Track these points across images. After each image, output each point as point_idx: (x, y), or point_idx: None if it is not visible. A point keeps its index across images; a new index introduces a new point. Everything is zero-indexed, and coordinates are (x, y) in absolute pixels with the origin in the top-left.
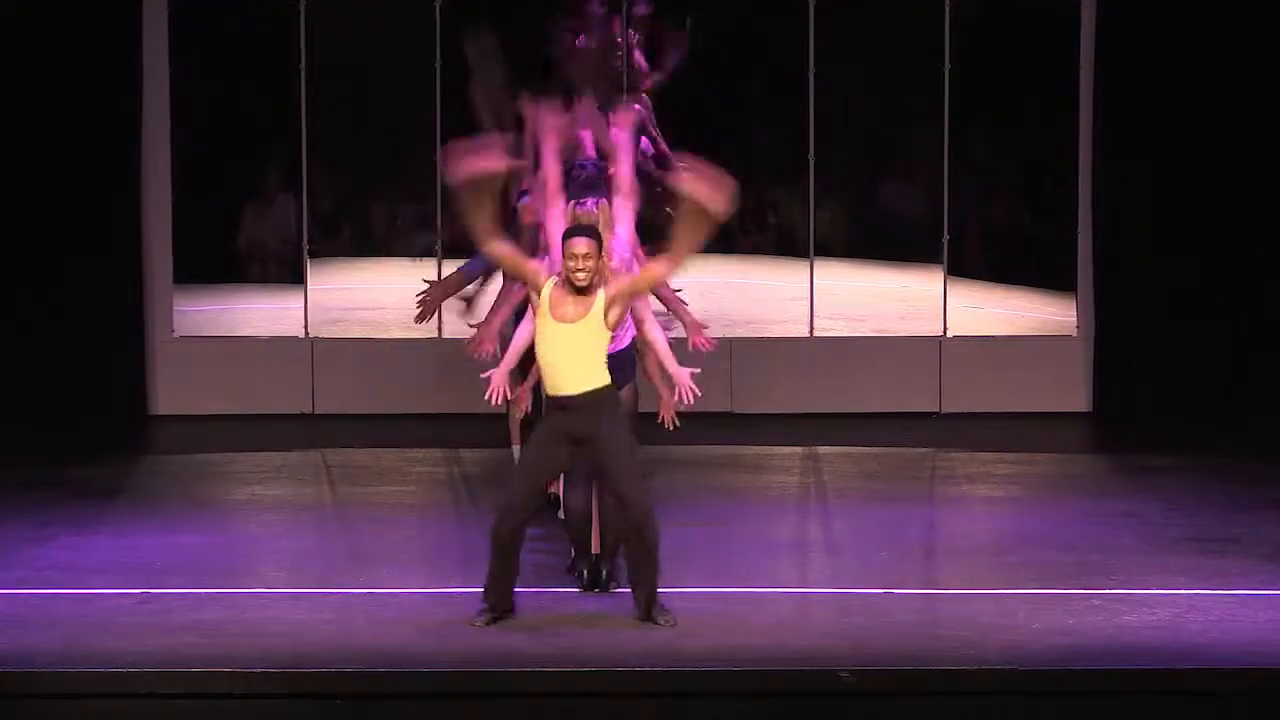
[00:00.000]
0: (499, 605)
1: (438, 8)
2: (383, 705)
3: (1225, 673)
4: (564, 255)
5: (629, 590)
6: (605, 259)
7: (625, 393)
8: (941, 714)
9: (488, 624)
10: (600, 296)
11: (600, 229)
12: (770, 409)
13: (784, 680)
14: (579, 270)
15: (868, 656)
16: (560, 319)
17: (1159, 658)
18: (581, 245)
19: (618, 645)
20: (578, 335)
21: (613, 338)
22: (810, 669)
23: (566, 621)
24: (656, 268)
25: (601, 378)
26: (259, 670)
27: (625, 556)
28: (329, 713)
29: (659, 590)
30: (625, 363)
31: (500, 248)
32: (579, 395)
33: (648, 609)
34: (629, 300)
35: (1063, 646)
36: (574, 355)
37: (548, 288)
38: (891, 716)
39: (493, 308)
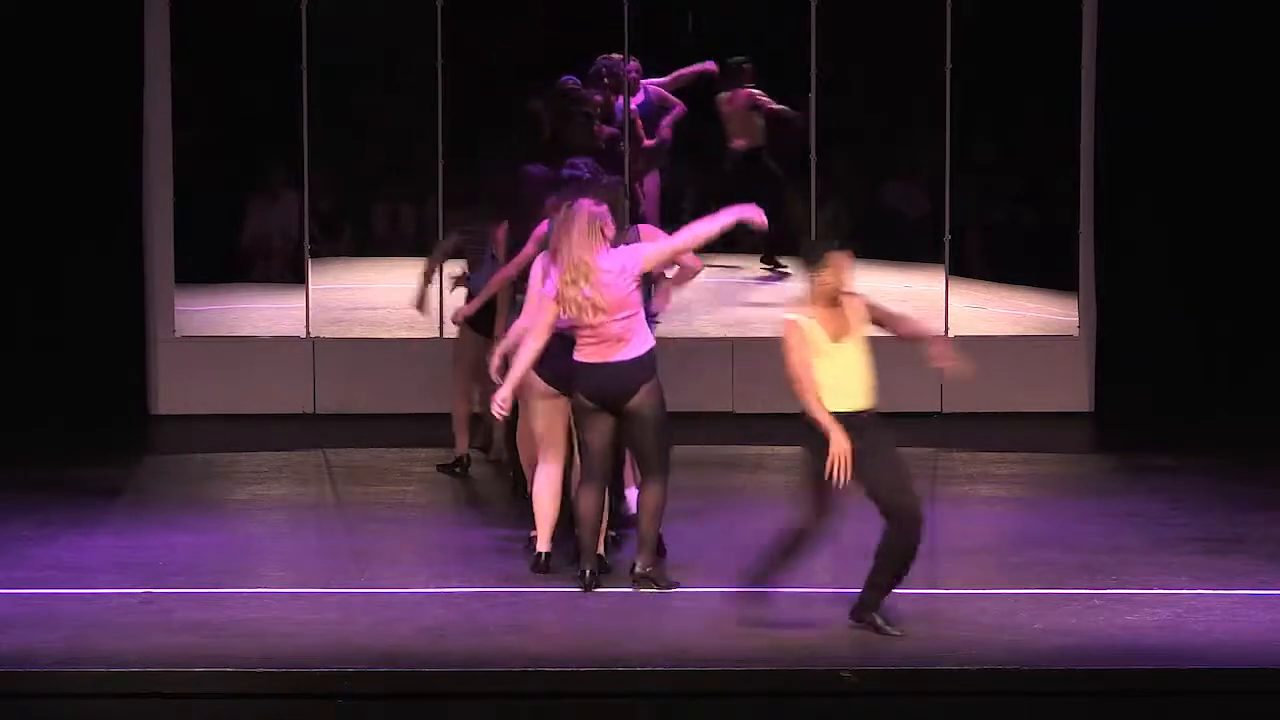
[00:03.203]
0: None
1: (439, 8)
2: (383, 705)
3: (1226, 673)
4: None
5: (627, 590)
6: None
7: (649, 391)
8: (941, 714)
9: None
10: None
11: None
12: (771, 409)
13: (784, 680)
14: (826, 282)
15: (869, 656)
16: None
17: (1160, 658)
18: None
19: (618, 645)
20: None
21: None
22: (811, 669)
23: (567, 621)
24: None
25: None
26: (259, 670)
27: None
28: (329, 713)
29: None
30: (647, 364)
31: None
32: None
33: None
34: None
35: (1064, 646)
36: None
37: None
38: (892, 716)
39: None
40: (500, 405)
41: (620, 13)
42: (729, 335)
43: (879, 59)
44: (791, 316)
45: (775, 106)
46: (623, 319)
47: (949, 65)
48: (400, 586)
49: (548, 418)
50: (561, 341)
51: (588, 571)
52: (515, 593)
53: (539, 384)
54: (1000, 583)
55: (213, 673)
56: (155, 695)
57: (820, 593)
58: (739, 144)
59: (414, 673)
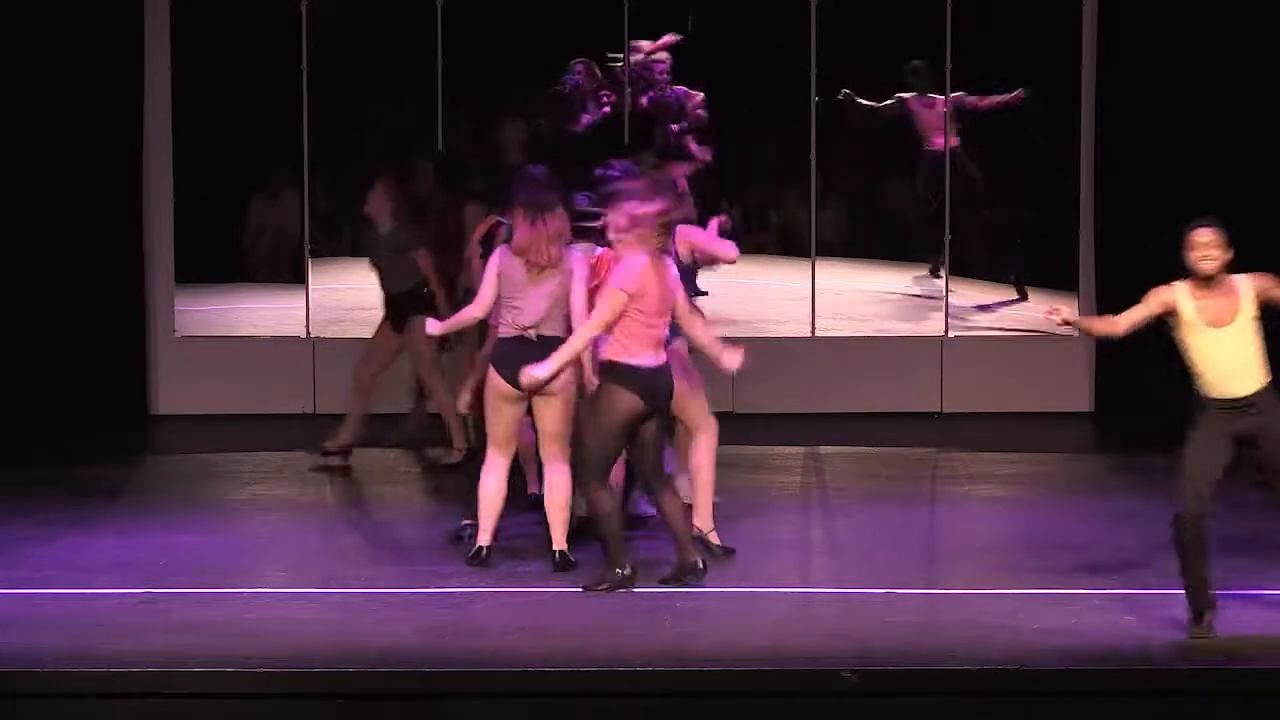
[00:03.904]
0: (1203, 603)
1: (439, 8)
2: (383, 705)
3: (1225, 673)
4: (1187, 247)
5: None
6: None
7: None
8: (941, 714)
9: (1209, 630)
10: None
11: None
12: (772, 409)
13: (785, 680)
14: (1204, 259)
15: (869, 656)
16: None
17: (1159, 658)
18: (1202, 235)
19: (618, 645)
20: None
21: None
22: (811, 669)
23: (567, 621)
24: None
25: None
26: (259, 670)
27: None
28: (329, 713)
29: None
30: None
31: None
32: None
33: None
34: None
35: (1063, 646)
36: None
37: (1186, 299)
38: (892, 716)
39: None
40: (587, 383)
41: (620, 12)
42: (730, 335)
43: (879, 59)
44: (1175, 285)
45: (986, 103)
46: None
47: (949, 65)
48: (400, 586)
49: (505, 417)
50: (521, 343)
51: (628, 568)
52: (515, 593)
53: (500, 384)
54: (1000, 583)
55: (213, 673)
56: (155, 695)
57: (820, 593)
58: (938, 145)
59: (414, 673)
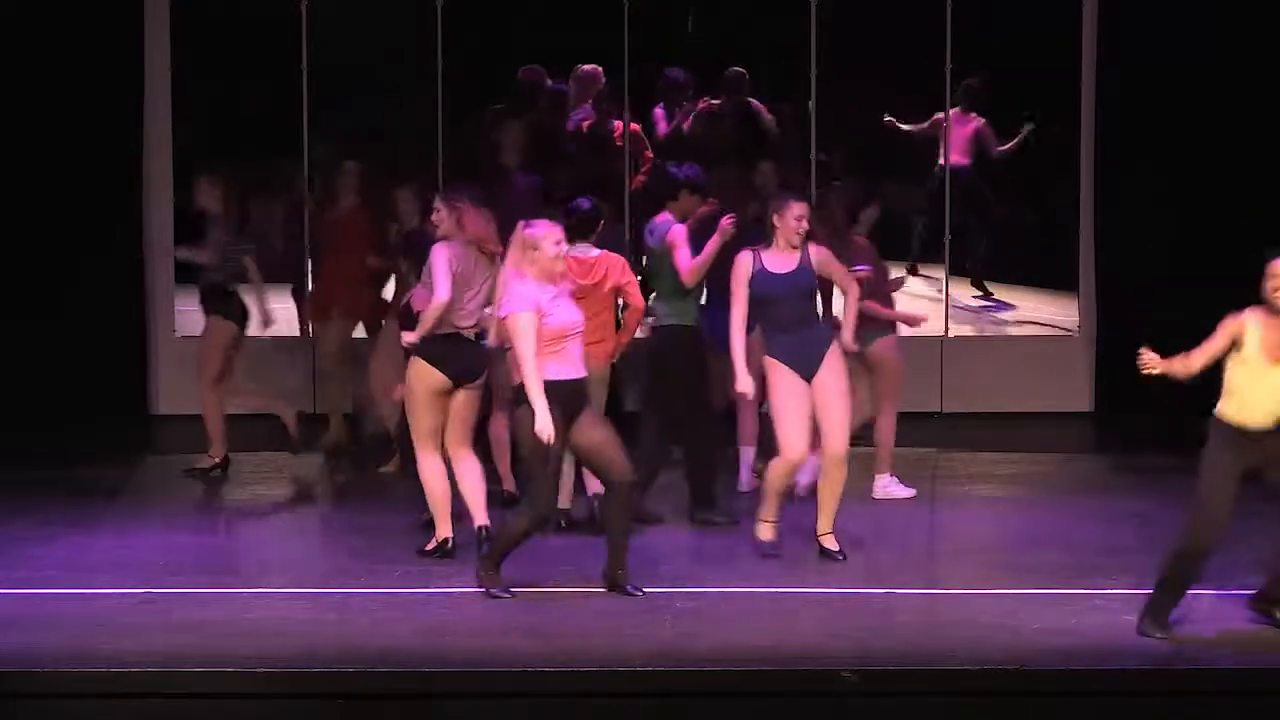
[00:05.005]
0: (1160, 622)
1: (439, 8)
2: (383, 705)
3: (1226, 673)
4: (1266, 277)
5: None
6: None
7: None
8: (941, 714)
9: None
10: None
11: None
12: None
13: (784, 680)
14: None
15: (869, 656)
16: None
17: (1159, 658)
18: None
19: (618, 645)
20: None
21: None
22: (811, 669)
23: (567, 621)
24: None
25: None
26: (259, 670)
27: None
28: (329, 713)
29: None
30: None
31: None
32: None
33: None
34: None
35: (1063, 646)
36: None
37: (1254, 330)
38: (892, 716)
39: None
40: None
41: (620, 13)
42: None
43: (879, 59)
44: (1246, 314)
45: (1003, 148)
46: None
47: (949, 65)
48: (400, 586)
49: (436, 410)
50: (459, 340)
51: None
52: (515, 593)
53: (435, 379)
54: (1000, 583)
55: (213, 673)
56: (155, 695)
57: (820, 593)
58: (961, 161)
59: (414, 673)
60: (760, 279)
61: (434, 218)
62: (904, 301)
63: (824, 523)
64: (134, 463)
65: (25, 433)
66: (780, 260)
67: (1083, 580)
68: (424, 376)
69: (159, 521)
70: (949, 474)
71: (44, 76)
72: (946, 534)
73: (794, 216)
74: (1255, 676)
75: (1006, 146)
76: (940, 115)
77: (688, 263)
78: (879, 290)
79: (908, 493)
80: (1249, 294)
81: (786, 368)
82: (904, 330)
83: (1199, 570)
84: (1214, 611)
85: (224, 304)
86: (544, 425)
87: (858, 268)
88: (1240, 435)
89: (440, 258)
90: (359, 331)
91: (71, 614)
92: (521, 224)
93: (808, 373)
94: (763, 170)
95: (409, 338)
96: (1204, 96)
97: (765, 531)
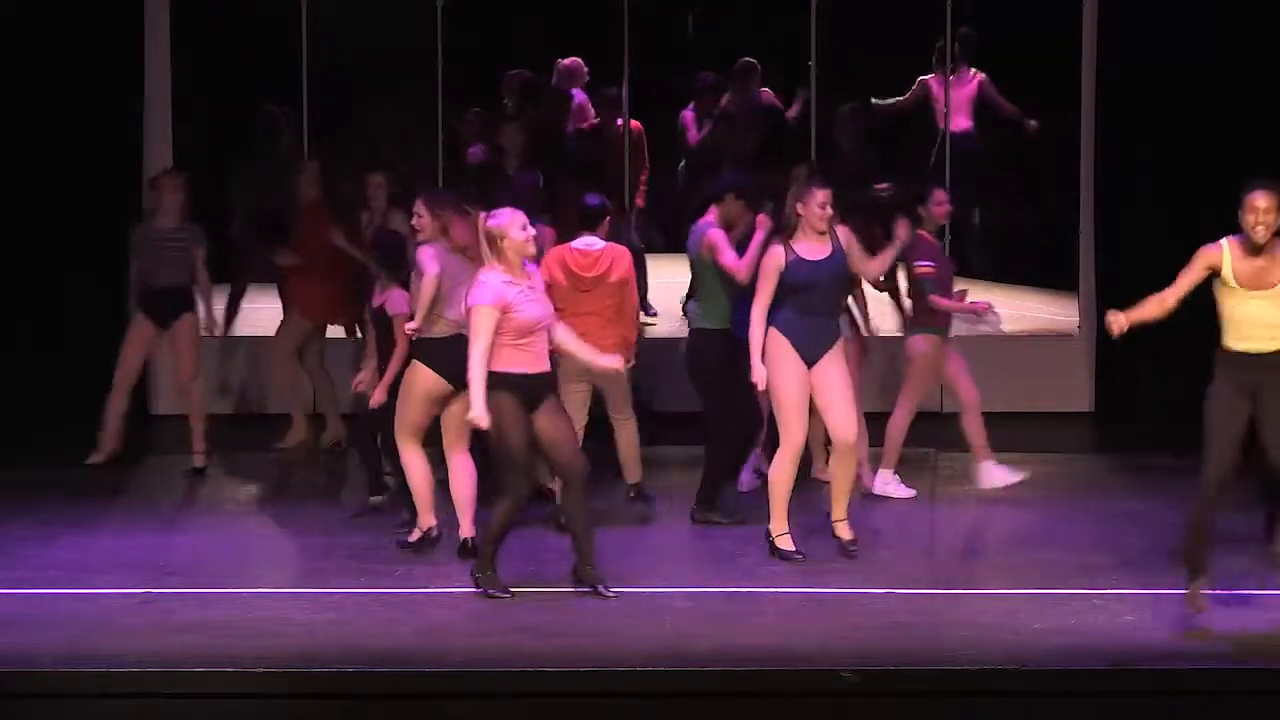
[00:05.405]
0: (1199, 564)
1: (439, 8)
2: (383, 705)
3: (1226, 673)
4: (1244, 209)
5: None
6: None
7: None
8: (941, 714)
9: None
10: None
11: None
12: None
13: (784, 680)
14: (1258, 225)
15: (869, 656)
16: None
17: (1159, 658)
18: (1261, 199)
19: (618, 645)
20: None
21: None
22: (811, 669)
23: (567, 622)
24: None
25: None
26: (259, 670)
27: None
28: (329, 713)
29: None
30: None
31: None
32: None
33: None
34: None
35: (1063, 646)
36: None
37: (1229, 261)
38: (892, 716)
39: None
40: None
41: (620, 12)
42: None
43: (879, 58)
44: (1222, 242)
45: (1005, 107)
46: None
47: (949, 65)
48: (400, 586)
49: (428, 411)
50: (459, 342)
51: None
52: (515, 593)
53: (433, 381)
54: (1000, 583)
55: (213, 673)
56: (155, 695)
57: (820, 593)
58: (962, 126)
59: (414, 673)
60: (796, 268)
61: (415, 221)
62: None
63: (838, 510)
64: (134, 463)
65: (25, 433)
66: (812, 248)
67: (1083, 580)
68: (423, 378)
69: (159, 521)
70: (949, 474)
71: (44, 76)
72: (946, 534)
73: (818, 203)
74: (1255, 676)
75: (1012, 107)
76: (926, 78)
77: (737, 262)
78: (944, 286)
79: (907, 493)
80: None
81: (790, 348)
82: (959, 329)
83: (1215, 509)
84: (1214, 611)
85: (188, 300)
86: (478, 414)
87: (921, 263)
88: (1238, 362)
89: (428, 256)
90: (335, 331)
91: (71, 614)
92: (483, 217)
93: (811, 357)
94: (796, 175)
95: (411, 325)
96: (1205, 96)
97: (784, 543)
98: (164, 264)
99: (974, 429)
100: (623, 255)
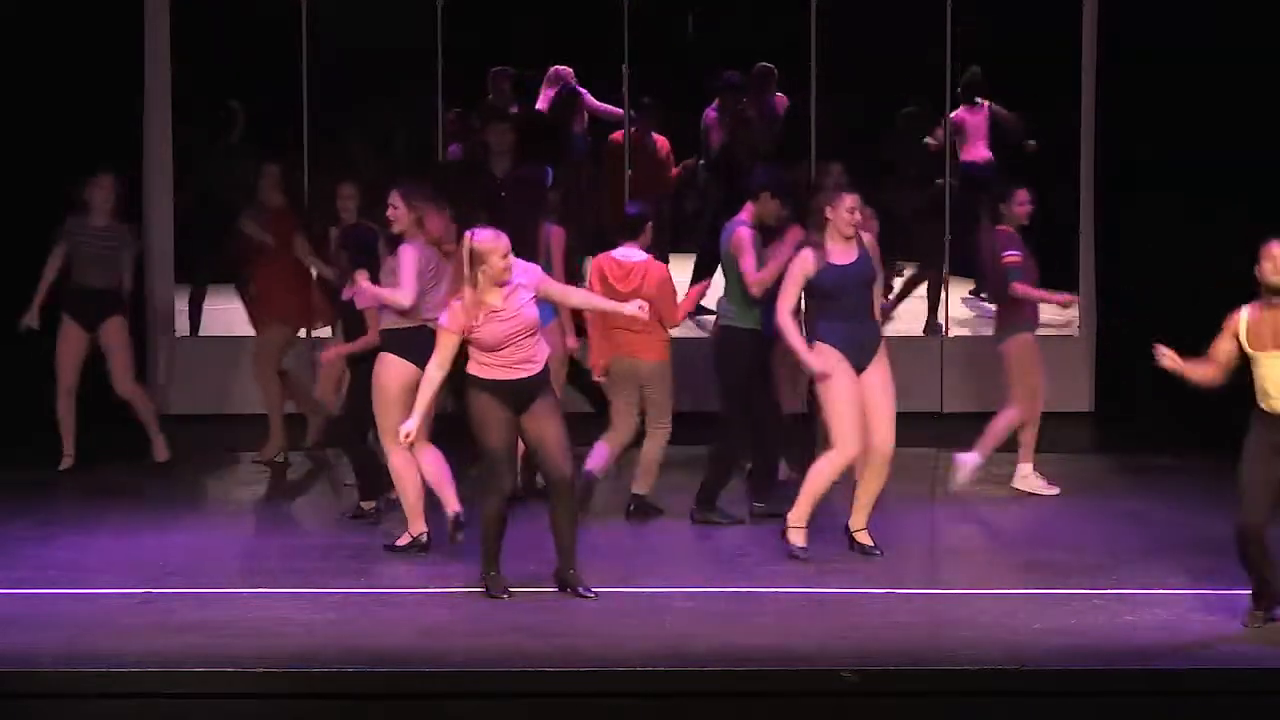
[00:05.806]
0: (1263, 602)
1: (439, 8)
2: (383, 705)
3: (1225, 673)
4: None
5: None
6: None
7: None
8: (941, 714)
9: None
10: None
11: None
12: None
13: (784, 680)
14: (1276, 273)
15: (869, 656)
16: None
17: (1159, 658)
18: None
19: (618, 645)
20: None
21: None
22: (811, 669)
23: (567, 621)
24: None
25: None
26: (259, 670)
27: None
28: (329, 713)
29: None
30: None
31: None
32: None
33: None
34: None
35: (1063, 646)
36: None
37: (1243, 322)
38: (892, 716)
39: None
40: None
41: (620, 13)
42: None
43: (879, 58)
44: (1241, 308)
45: (1007, 118)
46: None
47: (949, 65)
48: (400, 586)
49: (406, 407)
50: (425, 332)
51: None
52: (515, 593)
53: (409, 371)
54: (1000, 583)
55: (213, 673)
56: (155, 695)
57: (820, 593)
58: (980, 154)
59: (414, 673)
60: (826, 273)
61: (390, 213)
62: (905, 302)
63: (859, 518)
64: (135, 463)
65: (26, 433)
66: (840, 253)
67: (1083, 580)
68: (395, 371)
69: (159, 521)
70: (949, 474)
71: (44, 76)
72: (946, 534)
73: (846, 209)
74: (1255, 677)
75: (1014, 117)
76: (952, 115)
77: (754, 274)
78: (1029, 279)
79: (1051, 490)
80: (1249, 293)
81: (840, 358)
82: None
83: (1256, 546)
84: (1215, 612)
85: (120, 301)
86: (409, 427)
87: (1007, 253)
88: (1268, 422)
89: (409, 259)
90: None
91: (71, 614)
92: (468, 234)
93: (860, 363)
94: (833, 171)
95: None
96: (1205, 96)
97: (797, 536)
98: (94, 264)
99: (1003, 429)
100: (657, 271)
